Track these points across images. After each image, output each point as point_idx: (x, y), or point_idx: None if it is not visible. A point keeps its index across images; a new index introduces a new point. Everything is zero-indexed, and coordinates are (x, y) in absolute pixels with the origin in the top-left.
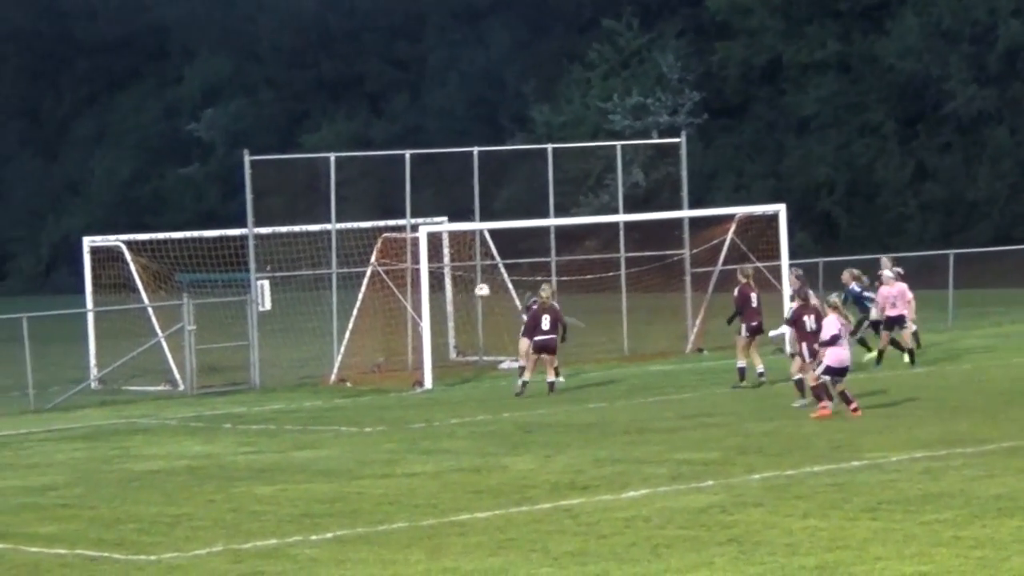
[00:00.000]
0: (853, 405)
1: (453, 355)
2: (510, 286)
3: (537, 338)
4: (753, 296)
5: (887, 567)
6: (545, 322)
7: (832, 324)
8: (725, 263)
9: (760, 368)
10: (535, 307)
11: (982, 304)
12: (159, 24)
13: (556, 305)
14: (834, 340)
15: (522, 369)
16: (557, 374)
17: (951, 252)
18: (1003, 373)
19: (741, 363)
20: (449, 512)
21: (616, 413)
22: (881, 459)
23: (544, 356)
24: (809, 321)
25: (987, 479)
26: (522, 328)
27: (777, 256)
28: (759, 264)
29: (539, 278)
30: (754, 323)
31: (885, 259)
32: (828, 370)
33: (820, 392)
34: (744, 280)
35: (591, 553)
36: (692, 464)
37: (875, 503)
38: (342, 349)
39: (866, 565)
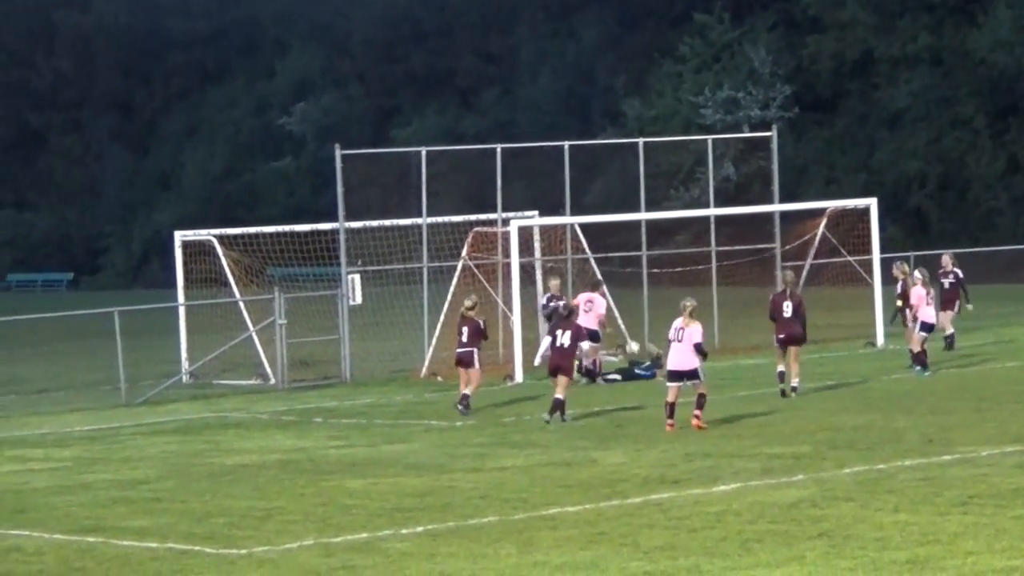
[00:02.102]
0: None
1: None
2: (601, 279)
3: (457, 350)
4: (786, 305)
5: (978, 561)
6: (464, 334)
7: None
8: (816, 257)
9: (795, 382)
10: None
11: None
12: (250, 19)
13: (477, 318)
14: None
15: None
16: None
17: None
18: None
19: (780, 368)
20: (539, 506)
21: (707, 408)
22: (972, 453)
23: (462, 370)
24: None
25: None
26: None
27: (868, 250)
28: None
29: (629, 271)
30: (781, 335)
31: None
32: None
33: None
34: (782, 287)
35: (681, 547)
36: (783, 458)
37: (966, 497)
38: (433, 343)
39: (957, 559)
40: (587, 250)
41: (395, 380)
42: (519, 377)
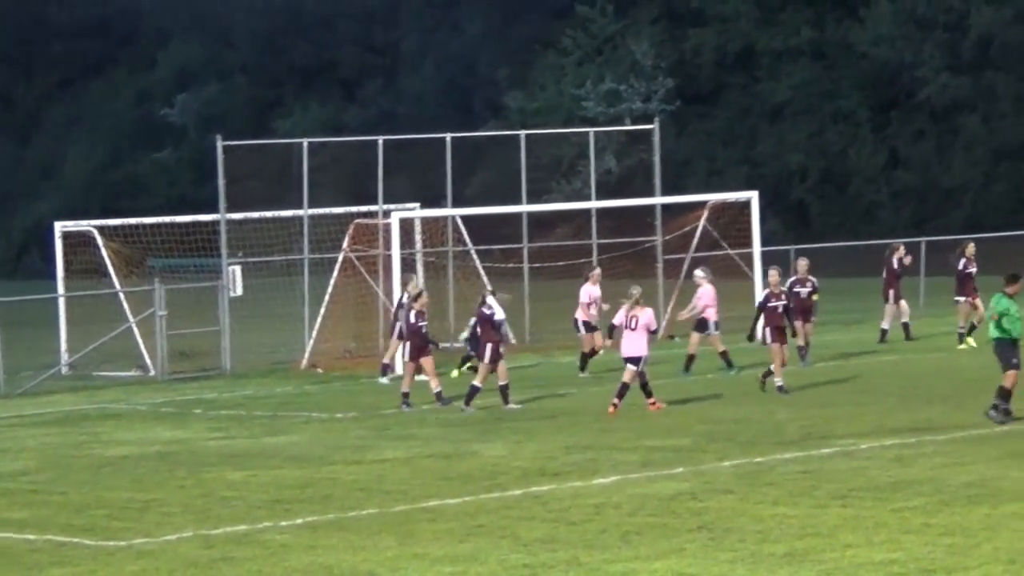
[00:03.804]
0: None
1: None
2: (481, 272)
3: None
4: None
5: (857, 554)
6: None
7: None
8: (697, 250)
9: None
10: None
11: (951, 292)
12: (132, 9)
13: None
14: None
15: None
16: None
17: (923, 240)
18: (973, 360)
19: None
20: (420, 498)
21: (587, 400)
22: (851, 446)
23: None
24: None
25: (957, 466)
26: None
27: (749, 244)
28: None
29: (510, 265)
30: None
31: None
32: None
33: None
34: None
35: (561, 540)
36: (662, 451)
37: (845, 490)
38: (313, 335)
39: (836, 552)
40: (468, 242)
41: (275, 372)
42: (399, 369)
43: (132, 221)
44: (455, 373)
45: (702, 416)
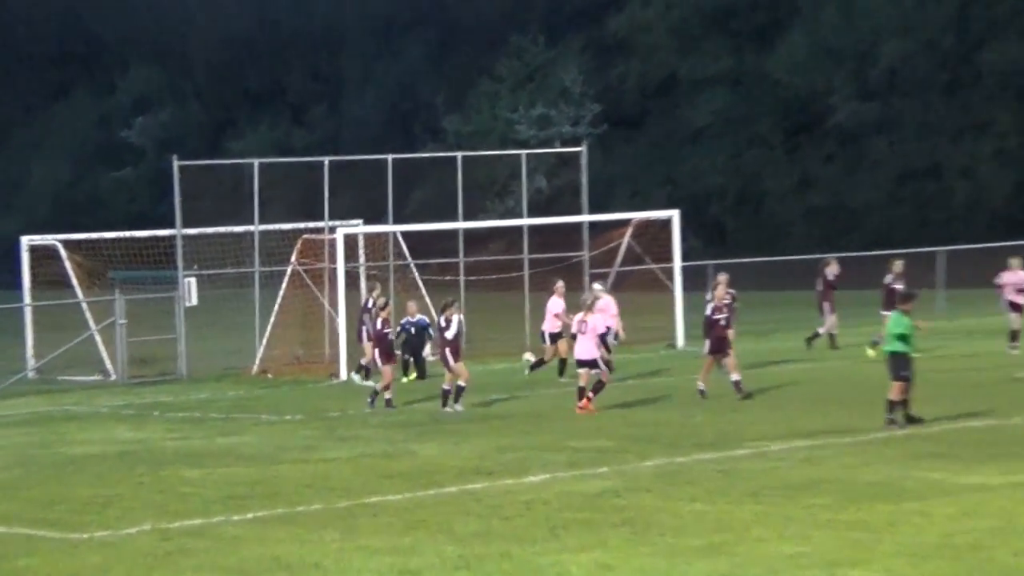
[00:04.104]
0: None
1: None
2: (420, 284)
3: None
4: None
5: (768, 547)
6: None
7: None
8: (622, 264)
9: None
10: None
11: (861, 304)
12: (94, 37)
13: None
14: None
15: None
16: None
17: (831, 256)
18: (879, 369)
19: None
20: (362, 495)
21: (518, 404)
22: (764, 447)
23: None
24: None
25: (862, 467)
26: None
27: (670, 259)
28: (653, 266)
29: (448, 278)
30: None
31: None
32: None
33: None
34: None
35: (494, 534)
36: (588, 451)
37: (758, 488)
38: (264, 342)
39: (748, 546)
40: (408, 256)
41: (228, 377)
42: (343, 375)
43: (94, 236)
44: (404, 379)
45: (625, 419)
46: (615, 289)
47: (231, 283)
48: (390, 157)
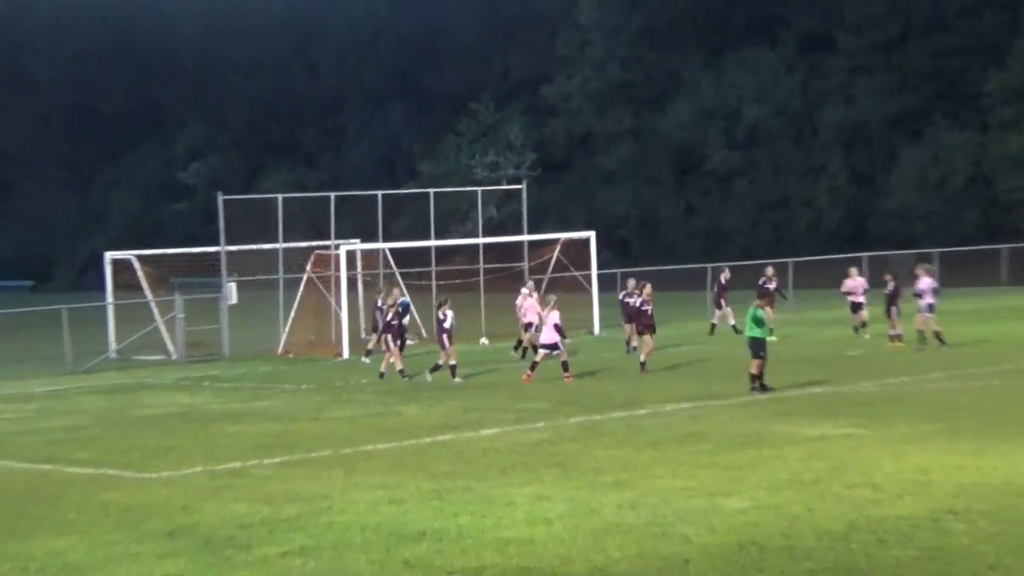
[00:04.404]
0: None
1: (363, 335)
2: (403, 287)
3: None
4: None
5: (663, 483)
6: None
7: None
8: (553, 272)
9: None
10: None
11: (732, 302)
12: (159, 102)
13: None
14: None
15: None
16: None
17: (709, 266)
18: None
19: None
20: (360, 444)
21: (479, 377)
22: (660, 408)
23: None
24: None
25: (732, 422)
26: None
27: (588, 267)
28: (576, 273)
29: (423, 283)
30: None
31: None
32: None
33: None
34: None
35: (459, 473)
36: (529, 411)
37: (655, 439)
38: (286, 331)
39: (648, 481)
40: (394, 267)
41: (259, 357)
42: (345, 355)
43: (159, 252)
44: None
45: (556, 388)
46: (548, 291)
47: (262, 287)
48: (380, 193)
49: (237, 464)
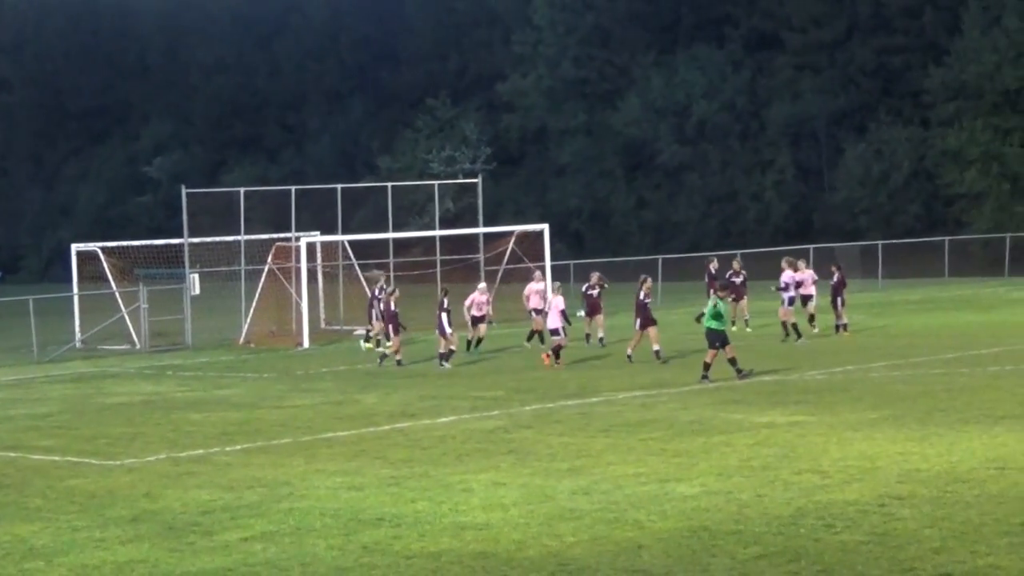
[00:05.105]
0: None
1: (323, 325)
2: (362, 278)
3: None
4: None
5: (616, 469)
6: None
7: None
8: (508, 263)
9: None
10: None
11: (680, 293)
12: (124, 98)
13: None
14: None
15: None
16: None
17: (660, 257)
18: (697, 339)
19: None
20: (320, 432)
21: (435, 366)
22: (612, 396)
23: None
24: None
25: (683, 410)
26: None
27: (543, 259)
28: (530, 264)
29: (378, 272)
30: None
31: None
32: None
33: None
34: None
35: (416, 460)
36: (485, 399)
37: (608, 426)
38: (248, 321)
39: (601, 468)
40: (353, 258)
41: (222, 346)
42: (306, 344)
43: (124, 244)
44: (366, 346)
45: (512, 377)
46: (503, 281)
47: (224, 278)
48: (339, 186)
49: (200, 451)
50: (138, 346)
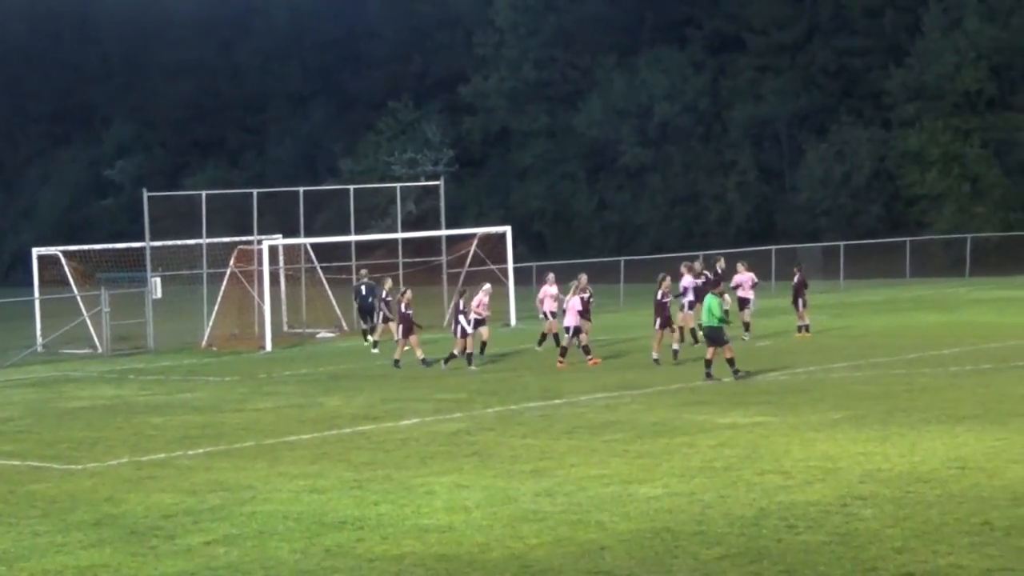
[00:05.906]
0: None
1: (286, 328)
2: (324, 281)
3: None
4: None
5: (579, 471)
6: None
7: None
8: (471, 266)
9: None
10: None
11: (644, 295)
12: (86, 102)
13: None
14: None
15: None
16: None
17: (622, 259)
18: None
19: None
20: (283, 435)
21: (393, 369)
22: (575, 398)
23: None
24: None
25: (646, 411)
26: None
27: (505, 261)
28: (492, 266)
29: (343, 277)
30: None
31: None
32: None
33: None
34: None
35: (379, 463)
36: (447, 402)
37: (571, 428)
38: (210, 324)
39: (564, 470)
40: (315, 261)
41: (184, 349)
42: (268, 347)
43: (86, 247)
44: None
45: (475, 378)
46: (465, 284)
47: (186, 281)
48: (301, 189)
49: (162, 455)
50: (100, 350)
